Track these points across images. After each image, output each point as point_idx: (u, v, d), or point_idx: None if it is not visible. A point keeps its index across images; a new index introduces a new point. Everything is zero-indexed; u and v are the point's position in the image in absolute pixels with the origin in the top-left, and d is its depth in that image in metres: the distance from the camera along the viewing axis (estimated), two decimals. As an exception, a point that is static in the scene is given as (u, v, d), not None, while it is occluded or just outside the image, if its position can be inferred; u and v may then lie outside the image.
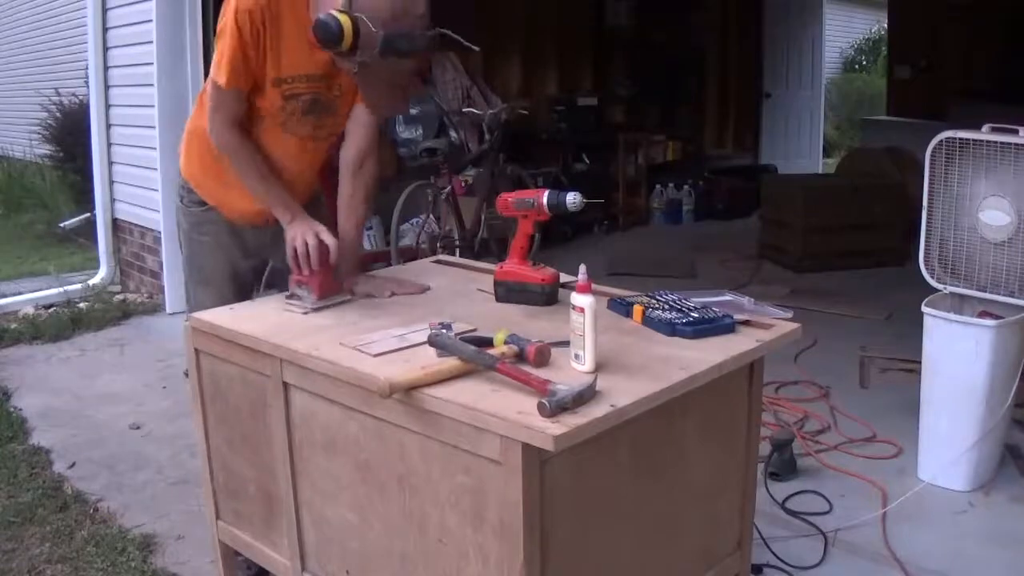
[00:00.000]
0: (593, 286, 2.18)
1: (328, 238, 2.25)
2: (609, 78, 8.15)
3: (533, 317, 2.10)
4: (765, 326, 2.01)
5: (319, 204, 2.60)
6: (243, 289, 2.56)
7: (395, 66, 2.07)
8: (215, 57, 2.20)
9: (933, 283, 3.15)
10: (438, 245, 5.49)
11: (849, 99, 13.38)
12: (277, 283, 2.50)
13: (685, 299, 2.09)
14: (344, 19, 1.98)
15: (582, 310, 1.71)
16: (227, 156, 2.31)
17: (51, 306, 5.34)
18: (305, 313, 2.17)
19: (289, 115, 2.32)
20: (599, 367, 1.73)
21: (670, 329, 1.95)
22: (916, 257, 3.19)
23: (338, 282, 2.30)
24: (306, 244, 2.22)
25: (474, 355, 1.71)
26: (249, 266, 2.58)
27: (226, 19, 2.16)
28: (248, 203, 2.42)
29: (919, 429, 3.17)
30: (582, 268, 1.79)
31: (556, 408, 1.51)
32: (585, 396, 1.57)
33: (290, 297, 2.26)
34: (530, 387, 1.61)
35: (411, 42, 2.04)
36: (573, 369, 1.73)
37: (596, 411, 1.56)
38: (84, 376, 4.34)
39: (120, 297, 5.61)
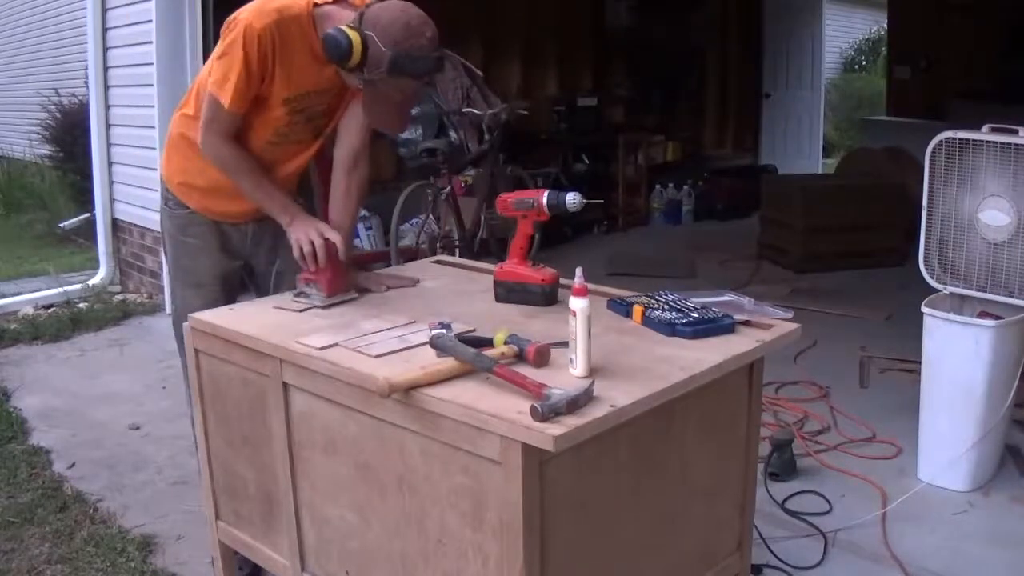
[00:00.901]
0: (593, 286, 2.18)
1: (333, 235, 2.27)
2: (609, 78, 8.14)
3: (533, 317, 2.10)
4: (765, 326, 2.01)
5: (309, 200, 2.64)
6: (231, 291, 2.58)
7: (401, 85, 2.13)
8: (217, 75, 2.20)
9: (933, 283, 3.15)
10: (438, 245, 5.49)
11: (849, 99, 13.37)
12: (284, 285, 2.53)
13: (685, 299, 2.09)
14: (354, 36, 2.03)
15: (575, 314, 1.70)
16: (220, 167, 2.33)
17: (51, 306, 5.34)
18: (323, 307, 2.21)
19: (293, 126, 2.35)
20: (598, 369, 1.73)
21: (670, 329, 1.95)
22: (916, 257, 3.19)
23: (346, 279, 2.31)
24: (312, 243, 2.24)
25: (472, 357, 1.71)
26: (236, 267, 2.59)
27: (234, 39, 2.15)
28: (229, 205, 2.45)
29: (919, 429, 3.17)
30: (578, 271, 1.78)
31: (548, 413, 1.51)
32: (580, 401, 1.56)
33: (298, 295, 2.28)
34: (525, 390, 1.60)
35: (418, 64, 2.08)
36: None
37: (596, 411, 1.56)
38: (84, 376, 4.34)
39: (120, 297, 5.61)
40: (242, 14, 2.16)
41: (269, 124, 2.33)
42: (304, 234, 2.26)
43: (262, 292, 2.57)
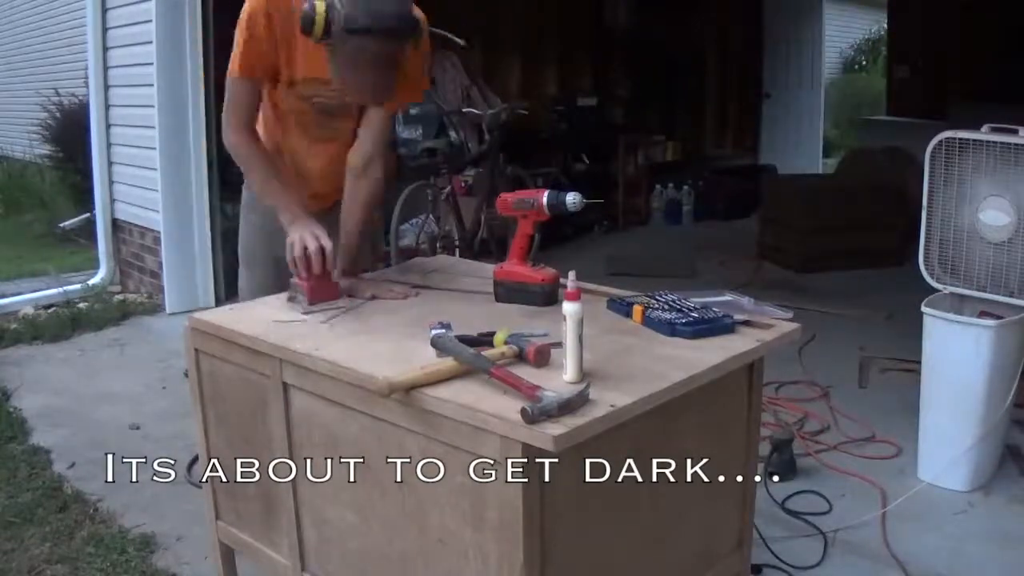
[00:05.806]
0: (593, 286, 2.18)
1: (326, 242, 2.24)
2: (609, 78, 8.15)
3: (533, 317, 2.10)
4: (765, 326, 2.01)
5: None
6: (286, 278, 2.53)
7: (364, 45, 2.02)
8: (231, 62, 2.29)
9: (933, 283, 3.15)
10: (438, 245, 5.49)
11: (849, 99, 13.37)
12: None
13: (685, 299, 2.09)
14: (320, 4, 2.01)
15: (567, 319, 1.67)
16: (235, 159, 2.36)
17: (51, 306, 5.34)
18: (304, 313, 2.17)
19: (308, 116, 2.39)
20: (597, 369, 1.72)
21: (670, 329, 1.94)
22: (916, 257, 3.19)
23: (333, 288, 2.28)
24: (305, 248, 2.22)
25: (470, 358, 1.71)
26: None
27: (238, 23, 2.23)
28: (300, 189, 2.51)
29: (919, 429, 3.17)
30: (571, 274, 1.76)
31: (538, 415, 1.50)
32: (573, 404, 1.55)
33: (291, 298, 2.27)
34: (521, 392, 1.60)
35: (374, 19, 1.99)
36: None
37: (596, 411, 1.56)
38: (84, 376, 4.34)
39: (120, 297, 5.61)
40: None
41: (288, 115, 2.38)
42: (299, 237, 2.23)
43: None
